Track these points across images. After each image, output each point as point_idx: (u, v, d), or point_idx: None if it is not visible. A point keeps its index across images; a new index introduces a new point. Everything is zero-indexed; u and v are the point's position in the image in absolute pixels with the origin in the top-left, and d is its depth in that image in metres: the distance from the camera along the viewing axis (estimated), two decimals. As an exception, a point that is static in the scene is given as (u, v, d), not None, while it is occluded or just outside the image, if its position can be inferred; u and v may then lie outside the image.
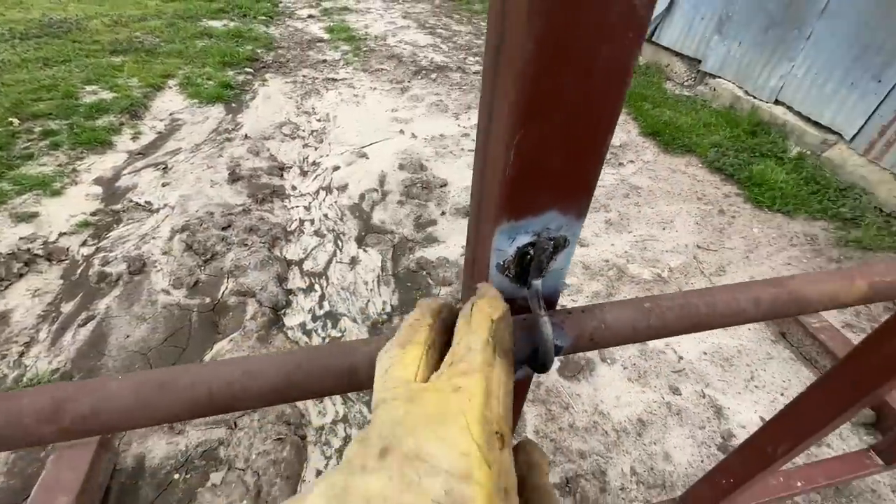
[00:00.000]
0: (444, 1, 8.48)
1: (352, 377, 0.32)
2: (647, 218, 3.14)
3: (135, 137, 3.66)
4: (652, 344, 2.28)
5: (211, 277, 2.49)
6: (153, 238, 2.72)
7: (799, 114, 3.67)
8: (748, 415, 1.99)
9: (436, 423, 0.22)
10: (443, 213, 3.12)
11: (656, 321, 0.38)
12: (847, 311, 2.49)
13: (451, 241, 2.88)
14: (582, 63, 0.24)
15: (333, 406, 1.91)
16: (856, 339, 2.29)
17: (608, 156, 3.91)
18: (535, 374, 0.44)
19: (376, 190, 3.30)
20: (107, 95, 4.07)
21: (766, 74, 3.91)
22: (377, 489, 0.20)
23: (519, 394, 0.50)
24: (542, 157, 0.29)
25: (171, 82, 4.53)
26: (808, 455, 1.83)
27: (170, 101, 4.25)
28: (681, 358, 2.22)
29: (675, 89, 5.04)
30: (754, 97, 4.05)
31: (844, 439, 1.91)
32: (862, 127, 3.21)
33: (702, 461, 1.82)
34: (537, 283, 0.36)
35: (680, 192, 3.40)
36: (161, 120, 3.96)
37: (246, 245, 2.69)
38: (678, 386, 2.08)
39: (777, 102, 3.86)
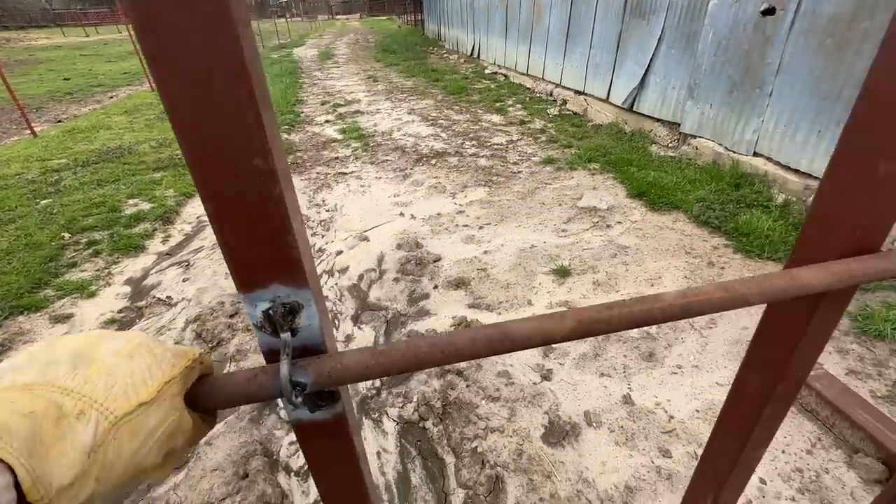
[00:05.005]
0: (446, 95, 9.39)
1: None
2: (634, 276, 3.18)
3: (165, 240, 4.13)
4: (641, 403, 2.22)
5: (215, 363, 2.66)
6: (169, 330, 2.97)
7: (778, 163, 3.76)
8: (746, 476, 1.86)
9: None
10: (435, 287, 3.27)
11: (384, 359, 0.51)
12: (849, 356, 2.37)
13: (442, 313, 2.99)
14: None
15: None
16: (859, 383, 2.17)
17: (595, 219, 4.05)
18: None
19: (374, 270, 3.52)
20: (146, 206, 4.66)
21: (741, 130, 4.09)
22: None
23: (341, 432, 0.59)
24: (246, 248, 0.44)
25: (201, 190, 5.14)
26: (817, 519, 1.68)
27: (199, 206, 4.80)
28: (671, 417, 2.15)
29: (661, 151, 5.27)
30: (733, 152, 4.20)
31: (858, 500, 1.75)
32: (838, 170, 3.25)
33: (695, 530, 1.69)
34: (285, 336, 0.50)
35: (667, 248, 3.45)
36: (189, 223, 4.45)
37: (249, 330, 2.89)
38: (668, 448, 2.00)
39: (756, 154, 3.98)
